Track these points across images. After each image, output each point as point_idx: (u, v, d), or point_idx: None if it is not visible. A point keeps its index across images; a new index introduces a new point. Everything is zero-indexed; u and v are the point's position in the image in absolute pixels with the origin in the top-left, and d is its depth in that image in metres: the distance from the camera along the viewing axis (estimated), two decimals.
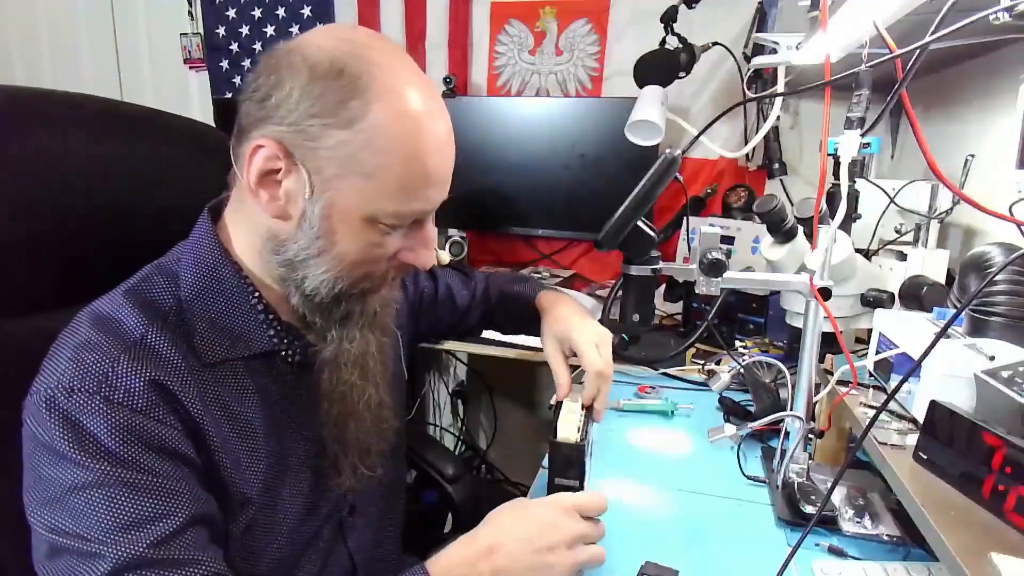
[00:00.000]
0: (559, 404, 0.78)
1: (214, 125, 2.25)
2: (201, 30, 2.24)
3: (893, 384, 0.68)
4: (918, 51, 0.61)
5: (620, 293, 0.78)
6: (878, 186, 1.14)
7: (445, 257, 0.84)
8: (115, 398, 0.52)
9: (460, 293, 1.00)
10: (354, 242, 0.58)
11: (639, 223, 0.71)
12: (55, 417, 0.52)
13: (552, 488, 0.70)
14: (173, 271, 0.62)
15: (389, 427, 0.72)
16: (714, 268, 0.73)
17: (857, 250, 0.97)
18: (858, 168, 1.06)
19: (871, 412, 0.65)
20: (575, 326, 0.83)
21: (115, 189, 0.75)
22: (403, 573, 0.58)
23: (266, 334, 0.63)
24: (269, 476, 0.63)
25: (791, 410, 0.80)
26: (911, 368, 0.60)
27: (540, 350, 1.36)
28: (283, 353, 0.65)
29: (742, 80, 1.60)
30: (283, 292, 0.63)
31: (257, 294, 0.63)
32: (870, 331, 0.88)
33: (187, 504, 0.54)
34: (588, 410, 0.77)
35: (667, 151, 0.71)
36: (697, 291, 0.74)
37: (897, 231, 1.15)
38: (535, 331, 0.91)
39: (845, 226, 1.00)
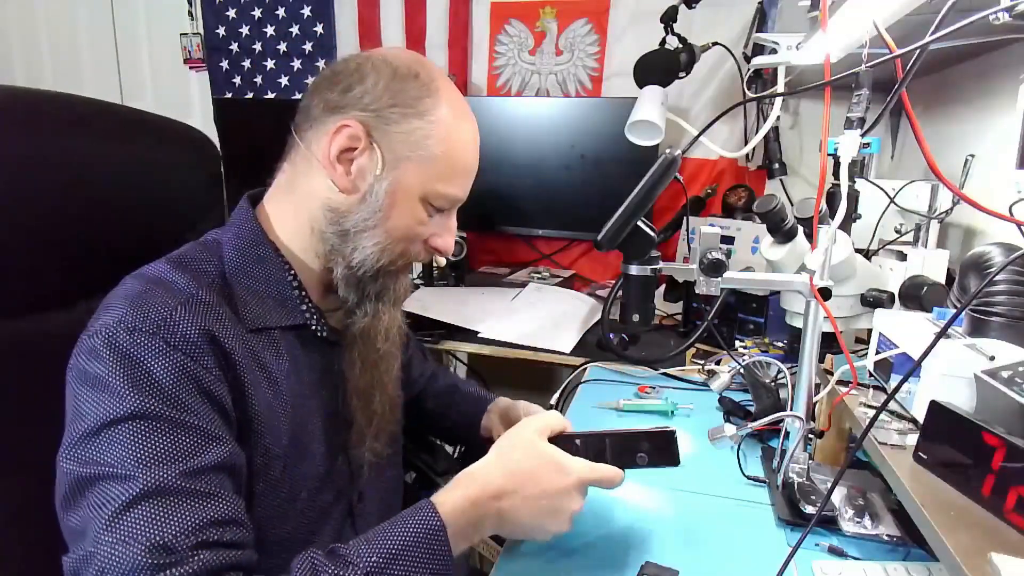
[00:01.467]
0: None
1: (214, 125, 2.26)
2: (201, 30, 2.24)
3: (893, 384, 0.68)
4: (918, 51, 0.61)
5: (620, 293, 0.78)
6: (878, 186, 1.14)
7: (441, 260, 0.85)
8: (173, 341, 0.56)
9: (417, 363, 1.05)
10: (406, 218, 0.68)
11: (639, 223, 0.71)
12: (114, 353, 0.55)
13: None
14: (214, 247, 0.68)
15: (399, 413, 0.79)
16: (714, 268, 0.73)
17: (857, 250, 0.97)
18: (858, 168, 1.07)
19: (871, 412, 0.65)
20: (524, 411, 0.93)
21: (107, 189, 0.75)
22: (411, 508, 0.61)
23: (299, 308, 0.70)
24: (294, 438, 0.67)
25: (791, 410, 0.80)
26: (911, 368, 0.60)
27: (540, 351, 1.36)
28: (313, 328, 0.71)
29: (742, 80, 1.60)
30: (323, 268, 0.70)
31: (292, 272, 0.69)
32: (870, 331, 0.88)
33: (221, 449, 0.57)
34: None
35: (667, 151, 0.71)
36: (697, 291, 0.74)
37: (897, 231, 1.16)
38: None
39: (845, 226, 1.00)
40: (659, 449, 0.69)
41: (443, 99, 0.68)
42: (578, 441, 0.69)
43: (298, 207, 0.70)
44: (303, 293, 0.70)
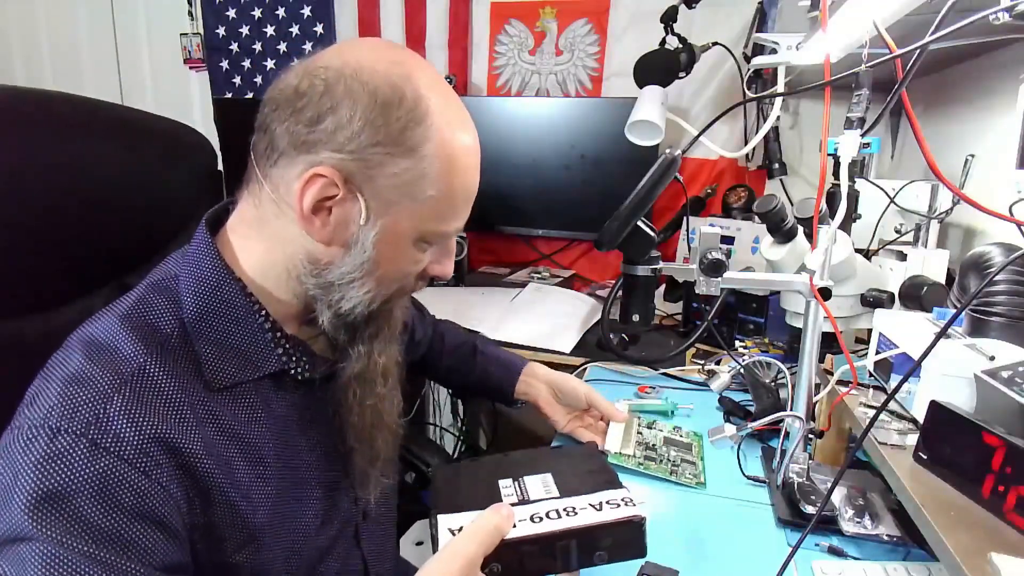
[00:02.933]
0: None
1: (214, 125, 2.26)
2: (201, 30, 2.24)
3: (893, 384, 0.68)
4: (918, 51, 0.61)
5: (620, 293, 0.78)
6: (878, 186, 1.14)
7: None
8: (103, 443, 0.48)
9: (418, 325, 1.02)
10: (401, 263, 0.61)
11: (639, 223, 0.71)
12: (31, 460, 0.47)
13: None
14: (172, 290, 0.59)
15: (400, 432, 0.73)
16: (714, 268, 0.73)
17: (857, 250, 0.97)
18: (858, 168, 1.07)
19: (871, 412, 0.65)
20: (576, 384, 0.96)
21: (106, 189, 0.75)
22: None
23: (274, 353, 0.61)
24: (280, 499, 0.61)
25: (791, 410, 0.80)
26: (911, 368, 0.60)
27: (540, 351, 1.36)
28: (292, 372, 0.63)
29: (742, 80, 1.60)
30: (300, 308, 0.62)
31: (264, 312, 0.60)
32: (870, 331, 0.88)
33: None
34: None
35: (667, 151, 0.71)
36: (697, 291, 0.74)
37: (897, 231, 1.16)
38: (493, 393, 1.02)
39: (845, 226, 1.00)
40: (624, 544, 0.58)
41: (435, 123, 0.56)
42: (524, 549, 0.56)
43: (270, 248, 0.60)
44: (278, 334, 0.61)
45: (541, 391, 0.98)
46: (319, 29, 2.07)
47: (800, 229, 0.93)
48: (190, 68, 2.31)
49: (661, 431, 0.98)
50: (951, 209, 1.07)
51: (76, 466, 0.47)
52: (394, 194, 0.56)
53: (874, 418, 0.60)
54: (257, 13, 2.12)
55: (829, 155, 0.76)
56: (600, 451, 0.72)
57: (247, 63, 2.19)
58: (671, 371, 1.21)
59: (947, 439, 0.61)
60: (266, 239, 0.60)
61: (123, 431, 0.49)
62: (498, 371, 1.01)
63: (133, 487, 0.48)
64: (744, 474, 0.87)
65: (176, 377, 0.54)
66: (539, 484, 0.64)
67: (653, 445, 0.93)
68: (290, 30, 2.10)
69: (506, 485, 0.64)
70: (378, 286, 0.60)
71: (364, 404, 0.65)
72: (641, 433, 0.97)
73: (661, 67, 1.42)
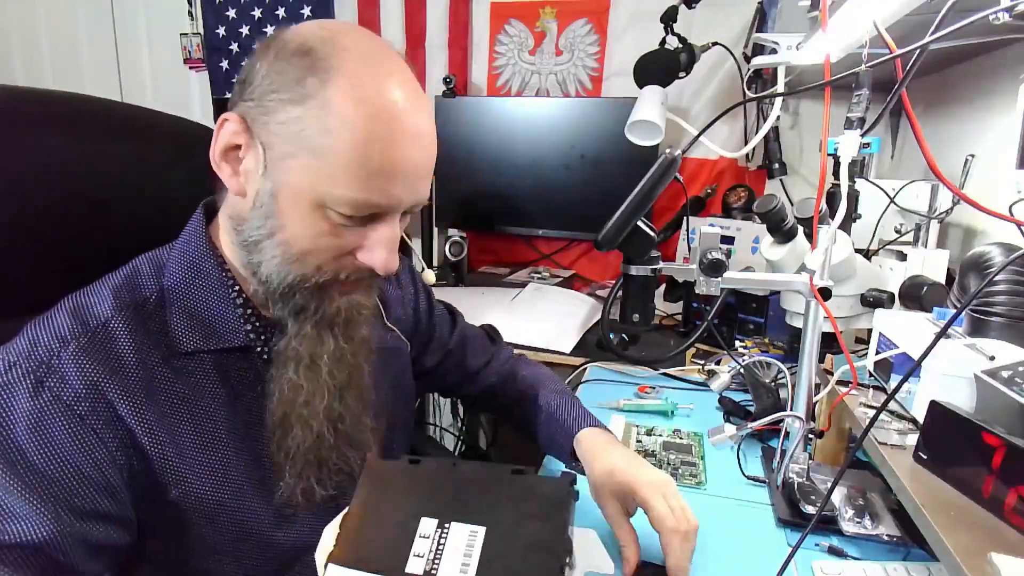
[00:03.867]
0: None
1: (214, 125, 2.25)
2: (201, 30, 2.24)
3: (893, 384, 0.68)
4: (918, 51, 0.61)
5: (620, 293, 0.78)
6: (878, 186, 1.14)
7: (430, 277, 0.83)
8: (48, 383, 0.52)
9: (474, 354, 0.95)
10: (303, 228, 0.56)
11: (639, 223, 0.71)
12: None
13: None
14: (161, 261, 0.63)
15: (368, 447, 0.68)
16: (714, 268, 0.73)
17: (857, 250, 0.97)
18: (858, 168, 1.07)
19: (871, 412, 0.65)
20: (636, 473, 0.70)
21: (106, 187, 0.74)
22: None
23: (242, 329, 0.63)
24: (230, 475, 0.61)
25: (791, 410, 0.80)
26: (911, 368, 0.60)
27: (540, 351, 1.36)
28: (258, 350, 0.64)
29: (742, 80, 1.60)
30: (259, 286, 0.62)
31: (238, 288, 0.63)
32: (870, 331, 0.88)
33: (47, 524, 0.51)
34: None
35: (667, 151, 0.71)
36: (697, 291, 0.74)
37: (897, 231, 1.16)
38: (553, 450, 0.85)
39: (845, 226, 1.00)
40: None
41: (337, 80, 0.53)
42: None
43: (223, 213, 0.63)
44: (248, 311, 0.63)
45: (603, 487, 0.74)
46: None
47: (800, 229, 0.93)
48: (190, 68, 2.31)
49: (660, 436, 0.98)
50: (951, 209, 1.07)
51: (18, 399, 0.52)
52: (288, 144, 0.54)
53: (874, 418, 0.60)
54: (257, 13, 2.12)
55: (829, 155, 0.76)
56: (571, 492, 0.54)
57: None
58: (671, 371, 1.21)
59: (947, 439, 0.61)
60: (224, 207, 0.63)
61: (69, 375, 0.53)
62: (558, 437, 0.83)
63: (67, 430, 0.52)
64: (744, 474, 0.87)
65: (139, 336, 0.58)
66: (462, 545, 0.50)
67: (653, 452, 0.93)
68: None
69: (425, 534, 0.50)
70: (288, 253, 0.57)
71: (279, 387, 0.62)
72: (640, 440, 0.96)
73: (661, 67, 1.42)
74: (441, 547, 0.49)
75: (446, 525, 0.51)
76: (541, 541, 0.49)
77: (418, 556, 0.49)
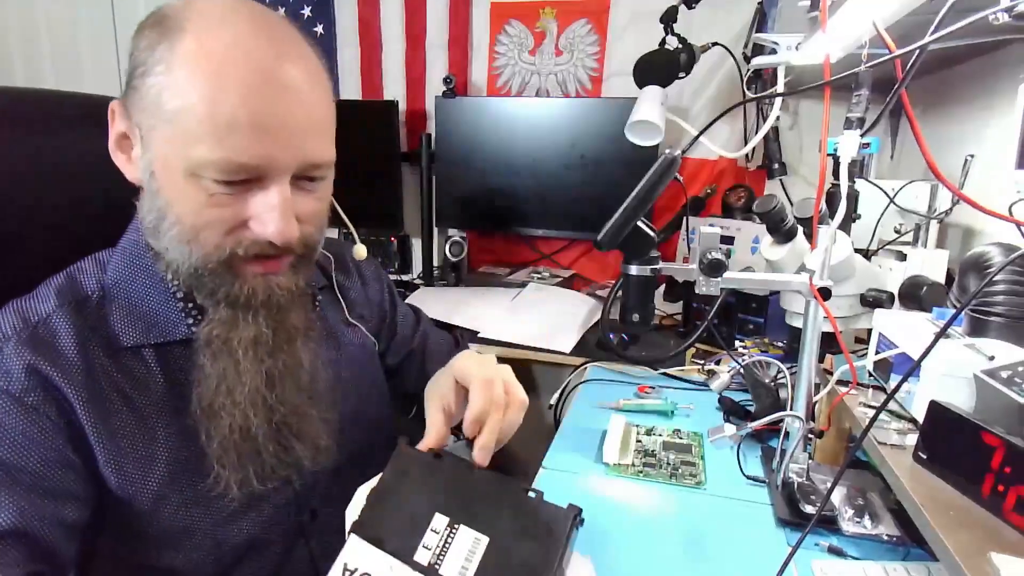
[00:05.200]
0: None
1: None
2: None
3: (893, 384, 0.68)
4: (918, 51, 0.61)
5: (620, 293, 0.78)
6: (878, 186, 1.14)
7: (362, 251, 0.79)
8: None
9: (435, 359, 0.90)
10: (185, 202, 0.54)
11: (639, 223, 0.71)
12: None
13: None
14: (106, 259, 0.64)
15: (320, 442, 0.66)
16: (714, 268, 0.73)
17: (857, 250, 0.97)
18: (858, 168, 1.07)
19: (871, 412, 0.65)
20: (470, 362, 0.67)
21: (107, 186, 0.74)
22: None
23: (184, 322, 0.63)
24: (173, 471, 0.61)
25: (791, 410, 0.80)
26: (910, 368, 0.60)
27: (540, 351, 1.36)
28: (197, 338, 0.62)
29: (742, 80, 1.60)
30: None
31: (177, 283, 0.62)
32: (870, 331, 0.88)
33: (22, 510, 0.52)
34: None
35: (667, 151, 0.71)
36: (697, 291, 0.74)
37: (897, 231, 1.16)
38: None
39: (845, 226, 1.00)
40: None
41: (184, 39, 0.52)
42: None
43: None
44: (190, 304, 0.63)
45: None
46: (319, 29, 2.07)
47: (800, 229, 0.93)
48: None
49: (660, 436, 0.98)
50: (951, 209, 1.07)
51: None
52: (152, 117, 0.53)
53: (874, 418, 0.60)
54: None
55: (829, 155, 0.76)
56: (573, 522, 0.54)
57: None
58: (671, 371, 1.21)
59: (947, 439, 0.61)
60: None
61: (13, 369, 0.55)
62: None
63: (21, 420, 0.54)
64: (744, 474, 0.87)
65: (81, 331, 0.58)
66: (465, 548, 0.53)
67: (652, 451, 0.93)
68: None
69: (436, 529, 0.54)
70: (183, 233, 0.55)
71: (198, 374, 0.60)
72: (640, 440, 0.97)
73: (661, 67, 1.42)
74: (448, 545, 0.53)
75: (456, 526, 0.54)
76: (534, 564, 0.52)
77: (426, 548, 0.53)
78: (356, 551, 0.54)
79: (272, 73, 0.53)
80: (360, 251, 0.79)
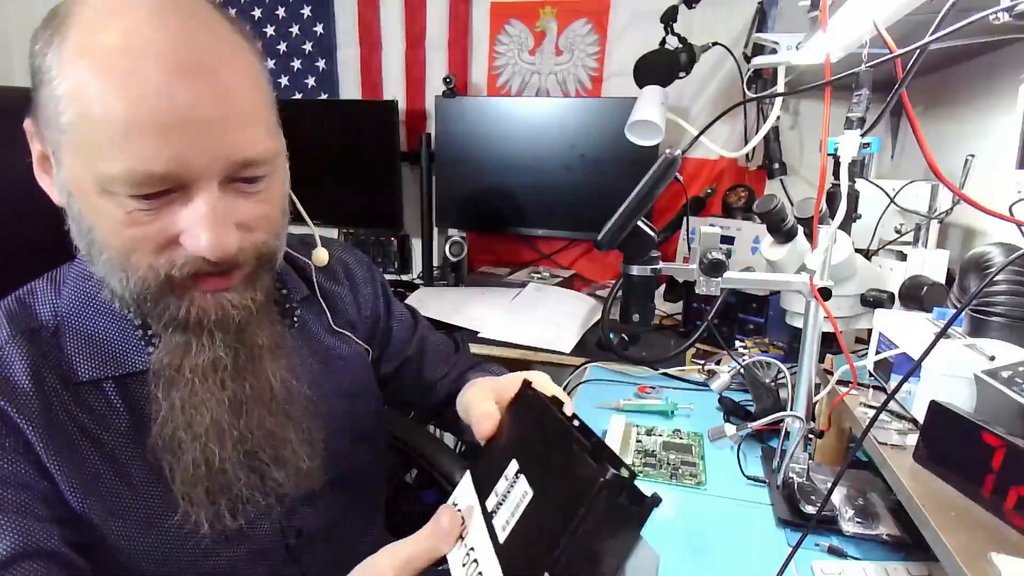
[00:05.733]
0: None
1: None
2: None
3: (893, 384, 0.68)
4: (918, 51, 0.61)
5: (620, 293, 0.78)
6: (878, 186, 1.14)
7: (323, 256, 0.73)
8: None
9: (433, 364, 0.85)
10: (104, 222, 0.48)
11: (639, 223, 0.71)
12: None
13: None
14: (62, 279, 0.59)
15: (303, 465, 0.61)
16: (714, 268, 0.73)
17: (857, 250, 0.97)
18: (858, 168, 1.06)
19: (871, 412, 0.65)
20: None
21: None
22: None
23: (144, 351, 0.57)
24: (141, 508, 0.57)
25: (791, 410, 0.80)
26: (911, 368, 0.60)
27: (540, 351, 1.36)
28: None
29: (742, 80, 1.60)
30: None
31: (128, 310, 0.57)
32: (870, 331, 0.88)
33: (11, 536, 0.49)
34: None
35: (667, 151, 0.71)
36: (697, 291, 0.74)
37: (897, 231, 1.15)
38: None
39: (845, 226, 1.00)
40: None
41: (71, 36, 0.45)
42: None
43: None
44: (148, 332, 0.58)
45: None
46: (319, 29, 2.07)
47: (800, 229, 0.93)
48: None
49: (660, 436, 0.98)
50: (951, 209, 1.07)
51: None
52: (55, 131, 0.48)
53: (874, 418, 0.60)
54: (257, 13, 2.12)
55: (829, 155, 0.76)
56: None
57: None
58: (671, 371, 1.21)
59: (947, 439, 0.61)
60: None
61: None
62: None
63: None
64: (744, 474, 0.87)
65: (36, 364, 0.54)
66: (515, 500, 0.47)
67: (652, 451, 0.93)
68: (290, 30, 2.10)
69: (507, 476, 0.49)
70: (112, 256, 0.50)
71: (160, 409, 0.55)
72: (640, 440, 0.96)
73: (661, 67, 1.42)
74: (508, 494, 0.48)
75: (519, 475, 0.49)
76: (556, 533, 0.41)
77: (496, 494, 0.49)
78: (463, 488, 0.53)
79: (174, 59, 0.45)
80: (321, 256, 0.72)
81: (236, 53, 0.50)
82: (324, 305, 0.73)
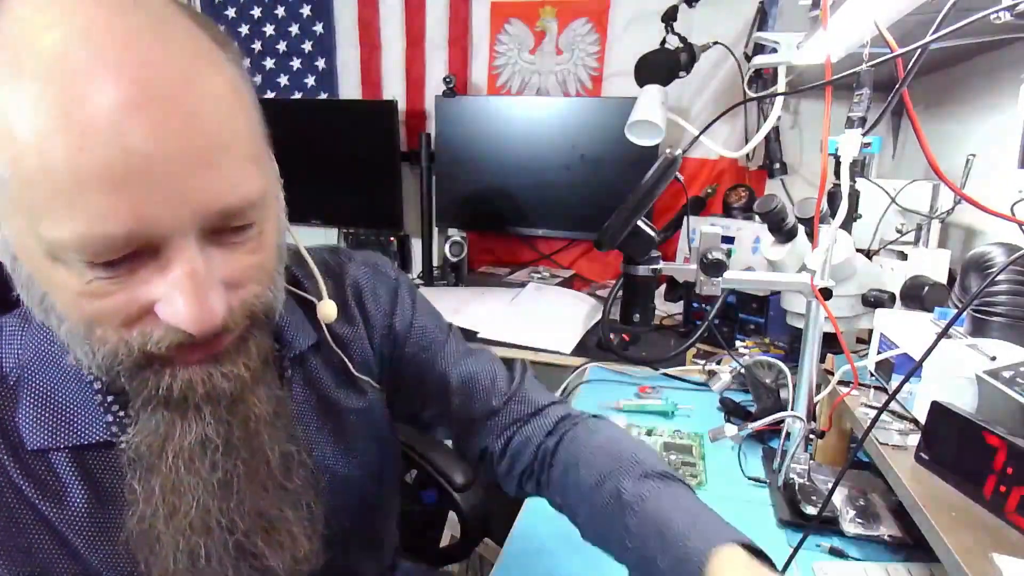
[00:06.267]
0: None
1: None
2: None
3: (894, 384, 0.68)
4: (919, 51, 0.60)
5: (620, 293, 0.78)
6: (879, 186, 1.14)
7: (331, 311, 0.58)
8: None
9: (481, 395, 0.67)
10: (60, 292, 0.39)
11: (639, 223, 0.71)
12: None
13: None
14: (29, 318, 0.49)
15: (300, 549, 0.52)
16: (714, 268, 0.73)
17: (858, 250, 0.97)
18: (859, 168, 1.06)
19: (872, 412, 0.65)
20: None
21: None
22: None
23: (102, 420, 0.49)
24: None
25: (792, 410, 0.79)
26: (912, 368, 0.60)
27: (540, 351, 1.35)
28: (122, 445, 0.47)
29: (742, 80, 1.60)
30: None
31: (91, 372, 0.47)
32: (871, 331, 0.87)
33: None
34: None
35: (667, 151, 0.70)
36: (697, 291, 0.74)
37: (898, 231, 1.15)
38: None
39: (846, 226, 1.00)
40: None
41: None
42: None
43: None
44: (110, 398, 0.49)
45: None
46: (318, 29, 2.07)
47: (801, 229, 0.92)
48: None
49: (661, 436, 0.98)
50: (952, 209, 1.07)
51: None
52: None
53: (875, 419, 0.60)
54: (256, 12, 2.12)
55: (830, 155, 0.75)
56: None
57: (246, 63, 2.19)
58: (671, 371, 1.20)
59: (948, 440, 0.61)
60: None
61: None
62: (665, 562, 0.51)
63: None
64: (745, 475, 0.86)
65: None
66: None
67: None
68: (289, 30, 2.10)
69: None
70: (74, 328, 0.41)
71: (134, 499, 0.47)
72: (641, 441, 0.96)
73: (661, 67, 1.42)
74: None
75: None
76: None
77: None
78: None
79: (128, 82, 0.34)
80: (328, 310, 0.58)
81: (209, 67, 0.39)
82: (336, 350, 0.61)
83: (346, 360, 0.61)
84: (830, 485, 0.66)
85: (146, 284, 0.39)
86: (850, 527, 0.73)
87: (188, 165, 0.36)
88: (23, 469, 0.47)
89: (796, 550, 0.58)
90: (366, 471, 0.63)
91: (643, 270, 0.74)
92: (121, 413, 0.49)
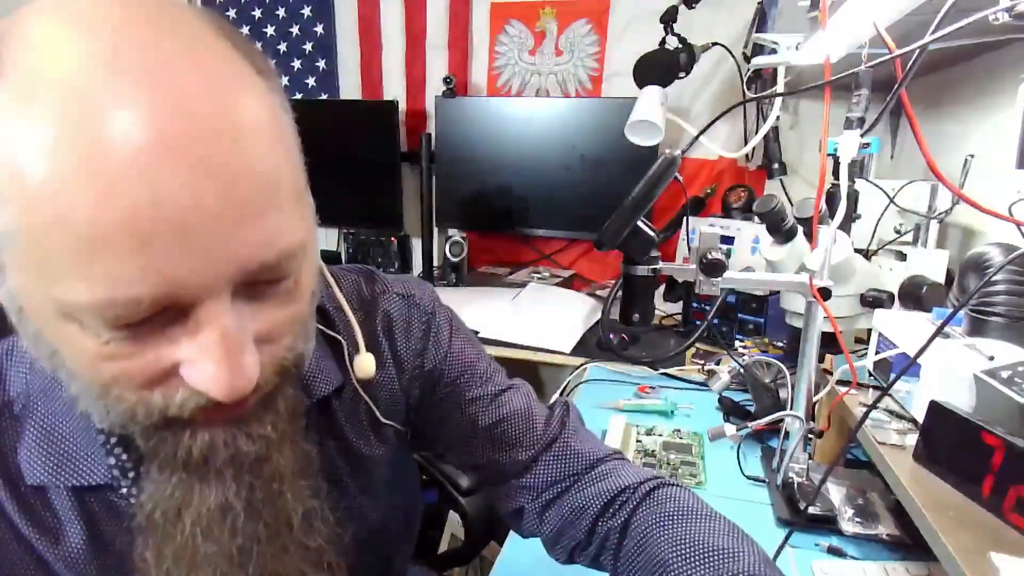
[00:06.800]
0: None
1: None
2: None
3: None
4: (918, 51, 0.61)
5: (620, 293, 0.78)
6: (878, 186, 1.14)
7: (369, 366, 0.54)
8: None
9: (513, 441, 0.60)
10: (73, 353, 0.35)
11: (639, 223, 0.71)
12: None
13: None
14: (26, 356, 0.46)
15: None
16: (714, 268, 0.73)
17: (857, 250, 0.97)
18: (858, 168, 1.07)
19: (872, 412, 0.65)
20: None
21: None
22: None
23: (104, 462, 0.46)
24: None
25: (791, 410, 0.80)
26: (907, 364, 0.60)
27: (540, 351, 1.36)
28: (123, 491, 0.46)
29: (742, 80, 1.60)
30: None
31: None
32: (870, 331, 0.88)
33: None
34: None
35: (667, 151, 0.71)
36: (697, 291, 0.74)
37: (897, 231, 1.16)
38: None
39: (845, 226, 1.00)
40: None
41: (4, 90, 0.30)
42: None
43: None
44: (114, 440, 0.46)
45: None
46: (319, 29, 2.07)
47: (800, 229, 0.93)
48: None
49: (660, 436, 0.98)
50: (951, 209, 1.07)
51: None
52: None
53: (867, 413, 0.60)
54: (257, 13, 2.12)
55: (829, 155, 0.76)
56: None
57: None
58: (671, 371, 1.21)
59: (947, 439, 0.61)
60: None
61: None
62: None
63: None
64: (744, 474, 0.87)
65: None
66: None
67: (652, 451, 0.93)
68: (290, 30, 2.10)
69: None
70: (85, 386, 0.37)
71: (146, 566, 0.43)
72: (640, 440, 0.97)
73: (661, 67, 1.42)
74: None
75: None
76: None
77: None
78: None
79: (164, 120, 0.29)
80: (367, 366, 0.54)
81: (252, 101, 0.33)
82: (363, 395, 0.56)
83: (372, 407, 0.56)
84: (828, 483, 0.67)
85: (171, 344, 0.34)
86: (849, 526, 0.74)
87: (228, 219, 0.31)
88: (19, 504, 0.45)
89: (786, 540, 0.59)
90: (390, 515, 0.60)
91: (643, 270, 0.74)
92: (124, 456, 0.46)
